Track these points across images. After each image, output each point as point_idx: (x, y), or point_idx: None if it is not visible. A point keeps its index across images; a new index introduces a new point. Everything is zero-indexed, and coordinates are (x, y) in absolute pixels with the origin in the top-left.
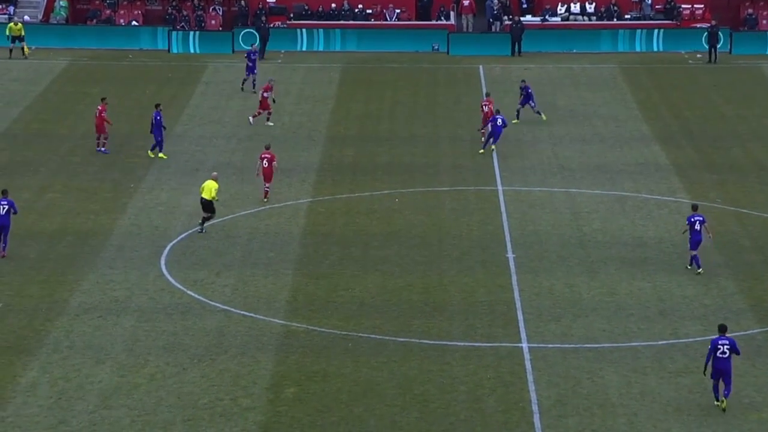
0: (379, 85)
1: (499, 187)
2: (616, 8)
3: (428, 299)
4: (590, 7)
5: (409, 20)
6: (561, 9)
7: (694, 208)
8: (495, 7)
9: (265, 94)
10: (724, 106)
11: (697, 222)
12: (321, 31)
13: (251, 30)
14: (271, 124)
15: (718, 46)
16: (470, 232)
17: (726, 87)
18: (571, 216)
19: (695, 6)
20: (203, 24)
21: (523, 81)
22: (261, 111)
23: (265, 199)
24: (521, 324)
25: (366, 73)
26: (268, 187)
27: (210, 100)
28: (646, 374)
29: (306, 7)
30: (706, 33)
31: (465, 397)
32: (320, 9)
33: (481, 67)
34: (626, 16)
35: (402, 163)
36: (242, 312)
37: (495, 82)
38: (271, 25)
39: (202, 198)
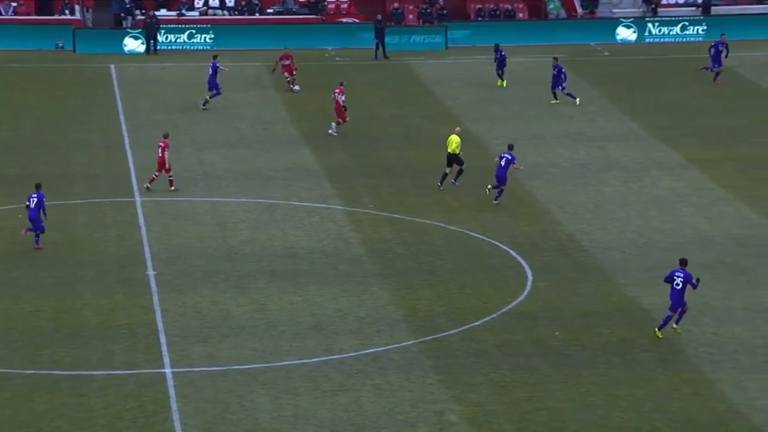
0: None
1: (138, 198)
2: (257, 2)
3: (60, 325)
4: (230, 1)
5: (28, 15)
6: (199, 3)
7: (510, 147)
8: (127, 1)
9: (285, 62)
10: (376, 106)
11: (504, 159)
12: None
13: None
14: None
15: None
16: (107, 249)
17: (377, 86)
18: (217, 227)
19: (340, 0)
20: None
21: (555, 59)
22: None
23: (148, 185)
24: (164, 347)
25: None
26: (156, 176)
27: None
28: (299, 395)
29: None
30: (372, 28)
31: (103, 431)
32: None
33: (113, 66)
34: (269, 11)
35: (30, 174)
36: None
37: (130, 83)
38: None
39: (448, 152)
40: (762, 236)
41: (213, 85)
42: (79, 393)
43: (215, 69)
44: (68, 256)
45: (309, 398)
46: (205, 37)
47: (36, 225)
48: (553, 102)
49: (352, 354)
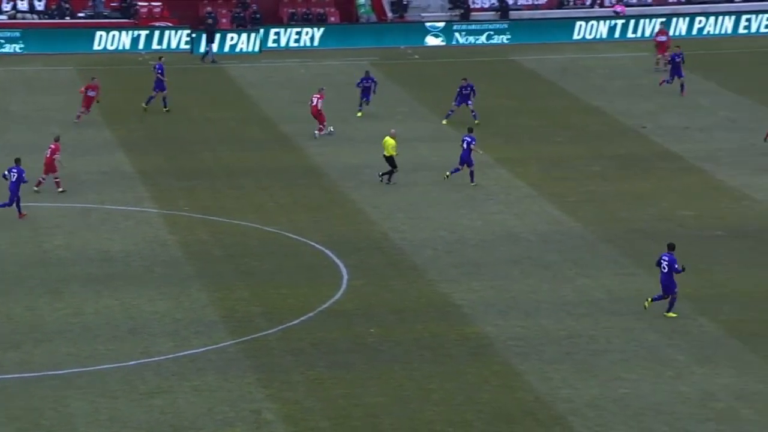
0: None
1: None
2: (68, 6)
3: None
4: (40, 5)
5: None
6: (7, 6)
7: (470, 130)
8: None
9: (90, 93)
10: (191, 108)
11: (465, 142)
12: None
13: None
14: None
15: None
16: None
17: (193, 89)
18: (31, 232)
19: (153, 4)
20: None
21: (465, 79)
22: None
23: (36, 188)
24: None
25: None
26: (43, 178)
27: None
28: (116, 398)
29: None
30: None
31: None
32: None
33: None
34: (80, 15)
35: None
36: None
37: None
38: None
39: (384, 155)
40: (564, 232)
41: (159, 86)
42: None
43: (161, 69)
44: None
45: (125, 401)
46: (14, 46)
47: (12, 197)
48: (444, 123)
49: (169, 356)
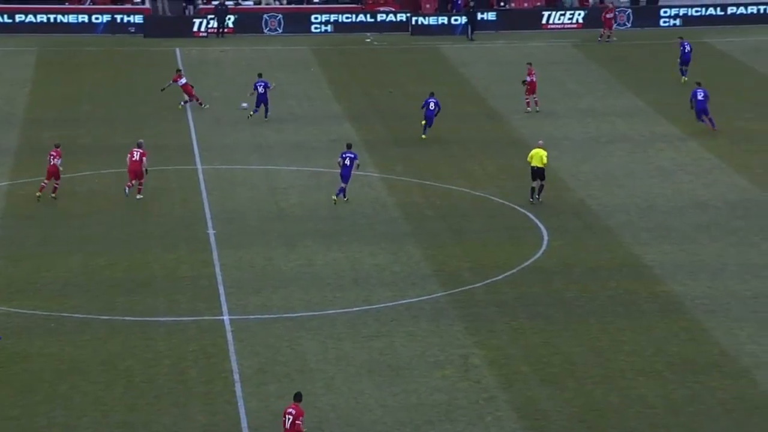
0: (77, 67)
1: (199, 166)
2: None
3: (132, 277)
4: None
5: (104, 4)
6: None
7: (348, 146)
8: None
9: (181, 81)
10: (408, 84)
11: (348, 158)
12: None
13: None
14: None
15: None
16: (172, 210)
17: (412, 67)
18: (270, 192)
19: None
20: None
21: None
22: (190, 98)
23: (39, 194)
24: (222, 297)
25: (63, 56)
26: (45, 183)
27: None
28: (342, 340)
29: None
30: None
31: (169, 370)
32: None
33: (177, 49)
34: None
35: (103, 145)
36: None
37: (192, 64)
38: None
39: (532, 166)
40: (751, 201)
41: (263, 99)
42: (148, 336)
43: (265, 86)
44: (137, 217)
45: (350, 342)
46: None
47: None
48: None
49: (388, 304)
